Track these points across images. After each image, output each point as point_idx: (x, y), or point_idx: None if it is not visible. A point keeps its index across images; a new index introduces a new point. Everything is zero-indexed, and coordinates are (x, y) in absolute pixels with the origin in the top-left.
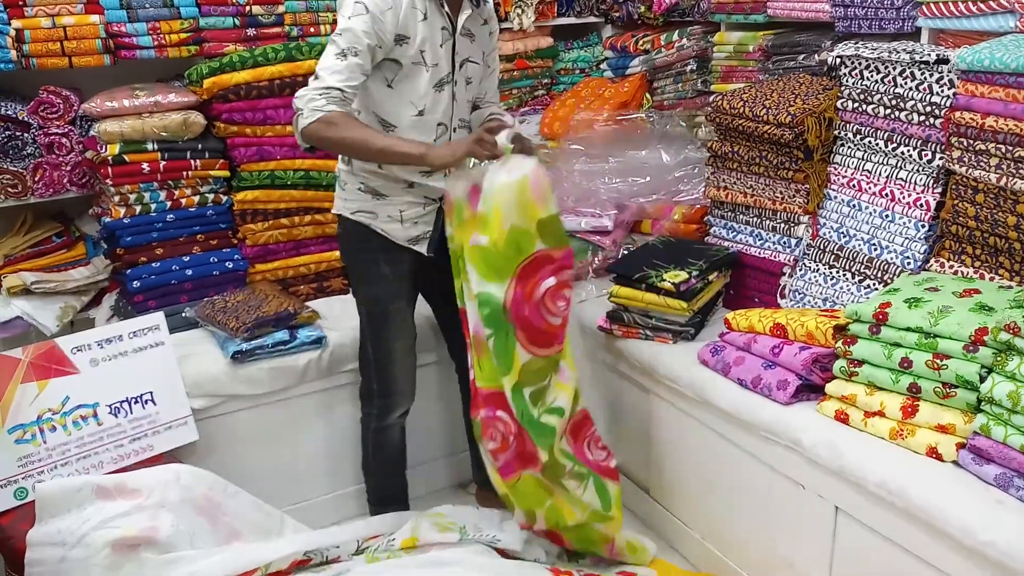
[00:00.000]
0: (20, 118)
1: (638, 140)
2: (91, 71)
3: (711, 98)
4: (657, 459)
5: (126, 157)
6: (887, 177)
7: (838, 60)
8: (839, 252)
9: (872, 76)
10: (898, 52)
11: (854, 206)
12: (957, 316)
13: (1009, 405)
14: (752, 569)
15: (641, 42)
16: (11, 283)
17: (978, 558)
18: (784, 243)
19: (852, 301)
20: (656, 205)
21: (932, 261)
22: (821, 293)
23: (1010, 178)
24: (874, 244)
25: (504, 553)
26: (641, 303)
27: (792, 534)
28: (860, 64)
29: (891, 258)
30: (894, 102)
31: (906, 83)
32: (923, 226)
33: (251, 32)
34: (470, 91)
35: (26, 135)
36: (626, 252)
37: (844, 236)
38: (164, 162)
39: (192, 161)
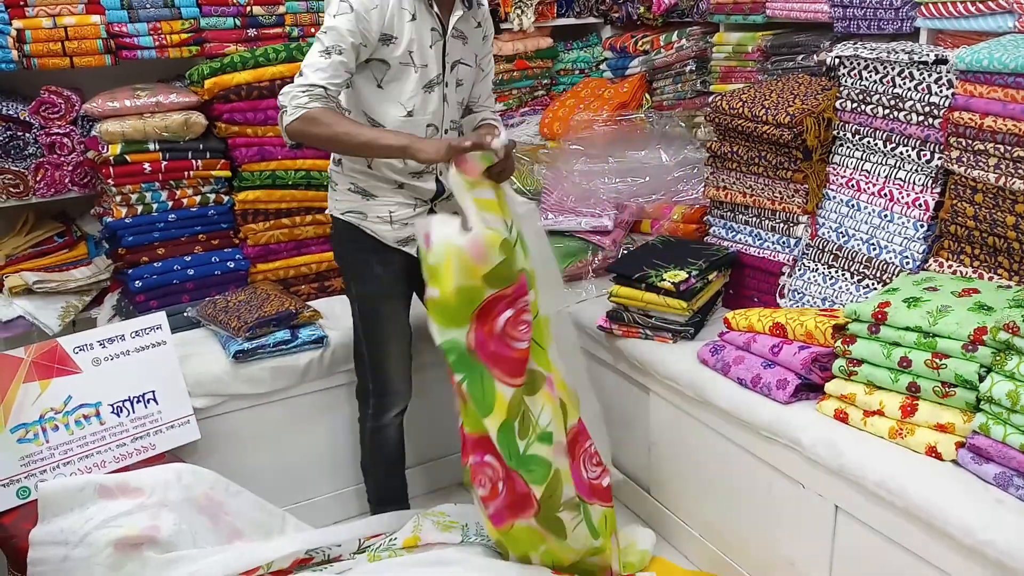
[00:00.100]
0: (22, 118)
1: (637, 140)
2: (92, 71)
3: (710, 98)
4: (657, 458)
5: (128, 157)
6: (886, 177)
7: (837, 60)
8: (838, 252)
9: (871, 76)
10: (897, 52)
11: (853, 206)
12: (956, 315)
13: (1008, 404)
14: (752, 568)
15: (640, 43)
16: (13, 283)
17: (977, 557)
18: (783, 243)
19: (851, 301)
20: (656, 205)
21: (931, 261)
22: (820, 293)
23: (1009, 178)
24: (873, 244)
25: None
26: (641, 303)
27: (792, 533)
28: (859, 64)
29: (890, 258)
30: (893, 102)
31: (905, 83)
32: (922, 226)
33: (252, 32)
34: (461, 93)
35: (28, 135)
36: (626, 252)
37: (843, 236)
38: (165, 162)
39: (193, 161)
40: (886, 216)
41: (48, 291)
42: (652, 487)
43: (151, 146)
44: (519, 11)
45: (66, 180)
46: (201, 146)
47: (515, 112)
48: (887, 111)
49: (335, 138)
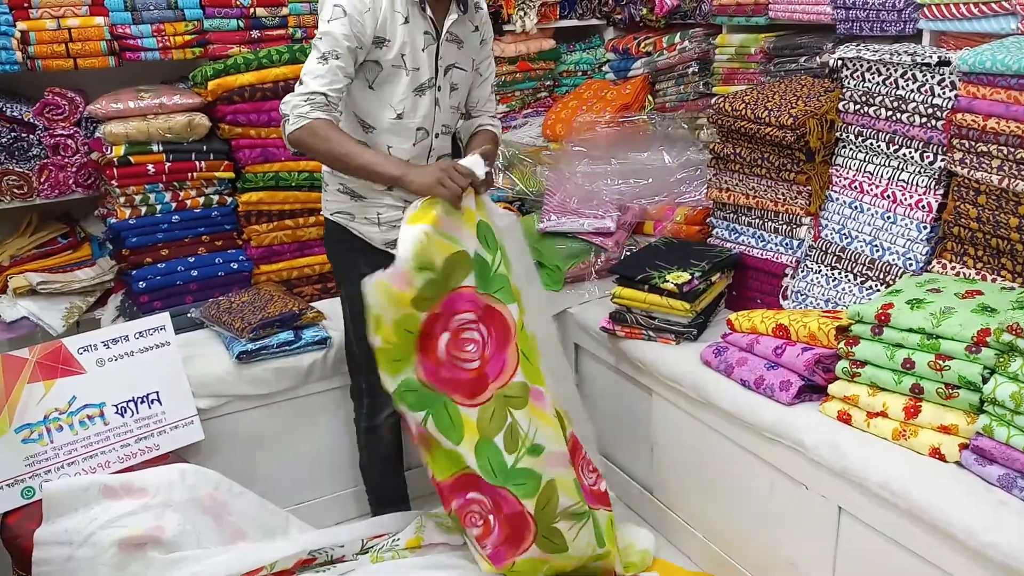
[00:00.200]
0: (26, 119)
1: (640, 142)
2: (96, 73)
3: (713, 100)
4: (660, 459)
5: (131, 158)
6: (889, 179)
7: (840, 62)
8: (841, 253)
9: (874, 78)
10: (899, 54)
11: (856, 208)
12: (959, 317)
13: (1012, 406)
14: (755, 569)
15: (643, 44)
16: (17, 284)
17: (981, 559)
18: (786, 244)
19: (854, 302)
20: (658, 207)
21: (934, 262)
22: (823, 294)
23: (1012, 180)
24: (876, 245)
25: None
26: (644, 304)
27: (795, 534)
28: (862, 66)
29: (893, 259)
30: (896, 104)
31: (908, 85)
32: (925, 227)
33: (255, 34)
34: (455, 97)
35: (32, 136)
36: (628, 253)
37: (846, 237)
38: (169, 163)
39: (197, 163)
40: (889, 218)
41: (52, 292)
42: (655, 488)
43: (155, 147)
44: (522, 13)
45: (70, 181)
46: (205, 147)
47: (518, 114)
48: (890, 113)
49: (333, 155)
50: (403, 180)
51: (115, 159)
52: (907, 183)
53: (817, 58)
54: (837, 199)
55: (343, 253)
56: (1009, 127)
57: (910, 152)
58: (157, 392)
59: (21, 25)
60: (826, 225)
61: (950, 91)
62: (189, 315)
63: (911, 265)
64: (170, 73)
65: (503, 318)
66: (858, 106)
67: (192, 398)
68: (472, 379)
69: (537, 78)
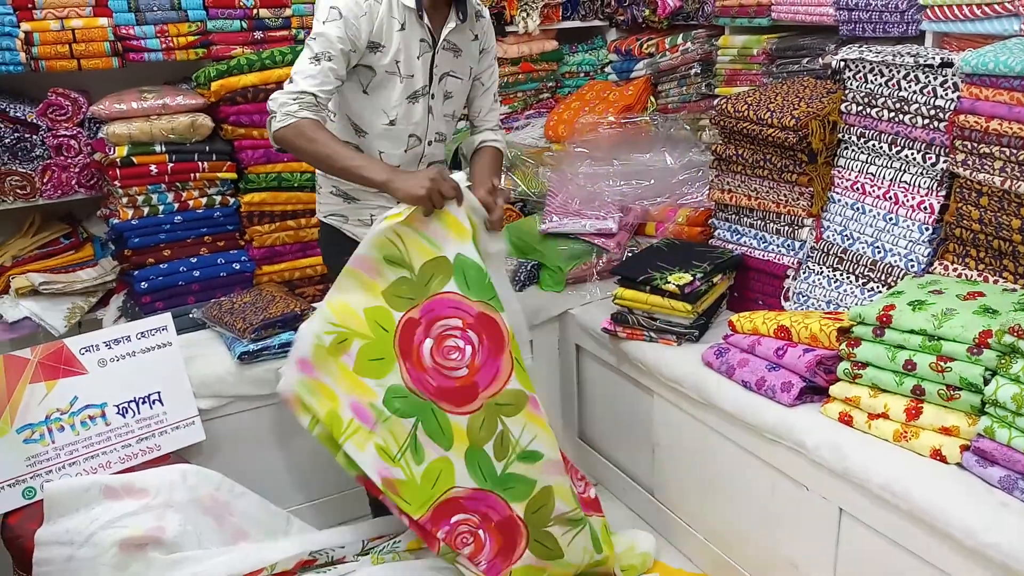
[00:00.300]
0: (29, 120)
1: (642, 143)
2: (99, 73)
3: (715, 101)
4: (661, 461)
5: (134, 159)
6: (891, 180)
7: (842, 63)
8: (843, 255)
9: (876, 79)
10: (902, 55)
11: (858, 209)
12: (961, 319)
13: (1013, 408)
14: (756, 571)
15: (645, 45)
16: (19, 284)
17: (982, 560)
18: (788, 246)
19: (856, 304)
20: (660, 208)
21: (936, 264)
22: (825, 295)
23: (1014, 181)
24: (878, 247)
25: None
26: (645, 305)
27: (796, 536)
28: (864, 67)
29: (895, 261)
30: (898, 105)
31: (910, 86)
32: (927, 229)
33: (258, 35)
34: (449, 105)
35: (35, 137)
36: (630, 254)
37: (848, 239)
38: (172, 164)
39: (200, 163)
40: (891, 219)
41: (54, 292)
42: (655, 489)
43: (157, 148)
44: (524, 14)
45: (73, 182)
46: (207, 148)
47: (520, 115)
48: (892, 114)
49: (318, 156)
50: (389, 186)
51: (118, 160)
52: (909, 184)
53: (820, 59)
54: (839, 200)
55: (338, 255)
56: (1012, 129)
57: (912, 153)
58: (159, 392)
59: (25, 26)
60: (828, 226)
61: (952, 92)
62: (191, 316)
63: (913, 266)
64: (173, 74)
65: (497, 325)
66: (860, 107)
67: (193, 398)
68: (460, 387)
69: (539, 79)
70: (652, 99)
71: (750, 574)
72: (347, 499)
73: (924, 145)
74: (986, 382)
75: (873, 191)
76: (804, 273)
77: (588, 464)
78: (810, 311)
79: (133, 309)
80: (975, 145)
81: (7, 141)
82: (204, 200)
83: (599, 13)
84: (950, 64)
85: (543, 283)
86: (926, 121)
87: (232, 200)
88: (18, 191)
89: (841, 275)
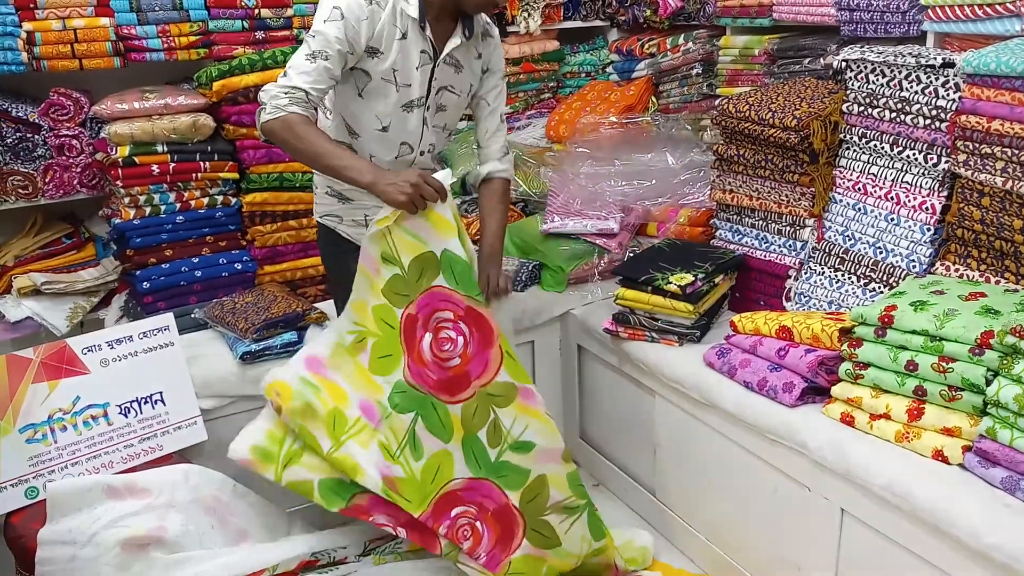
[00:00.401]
0: (31, 120)
1: (644, 143)
2: (101, 73)
3: (717, 101)
4: (662, 461)
5: (136, 159)
6: (893, 180)
7: (844, 64)
8: (844, 255)
9: (878, 80)
10: (904, 56)
11: (859, 209)
12: (963, 319)
13: (1015, 408)
14: (757, 571)
15: (647, 46)
16: (21, 284)
17: (984, 561)
18: (789, 246)
19: (857, 304)
20: (662, 208)
21: (937, 264)
22: (826, 296)
23: (1016, 182)
24: (879, 247)
25: None
26: (647, 305)
27: (798, 536)
28: (866, 68)
29: (896, 261)
30: (900, 106)
31: (912, 87)
32: (928, 229)
33: (260, 35)
34: (440, 118)
35: (37, 137)
36: (632, 255)
37: (849, 239)
38: (174, 164)
39: (201, 163)
40: (893, 219)
41: (56, 292)
42: (657, 490)
43: (159, 148)
44: (525, 14)
45: (75, 182)
46: (209, 148)
47: (521, 115)
48: (894, 114)
49: (304, 152)
50: (373, 188)
51: (120, 159)
52: (911, 185)
53: (821, 60)
54: (841, 201)
55: (334, 256)
56: (1013, 129)
57: (914, 154)
58: (161, 392)
59: (27, 26)
60: (829, 227)
61: (954, 93)
62: (193, 315)
63: (914, 267)
64: (175, 74)
65: (485, 320)
66: (862, 108)
67: (195, 398)
68: (454, 376)
69: (541, 79)
70: (653, 99)
71: (752, 575)
72: None
73: (926, 146)
74: (988, 383)
75: (875, 191)
76: (806, 273)
77: (590, 464)
78: (812, 312)
79: (135, 309)
80: (977, 145)
81: (9, 141)
82: (206, 200)
83: (600, 13)
84: (952, 64)
85: (544, 283)
86: (928, 121)
87: (234, 200)
88: (20, 191)
89: (843, 275)
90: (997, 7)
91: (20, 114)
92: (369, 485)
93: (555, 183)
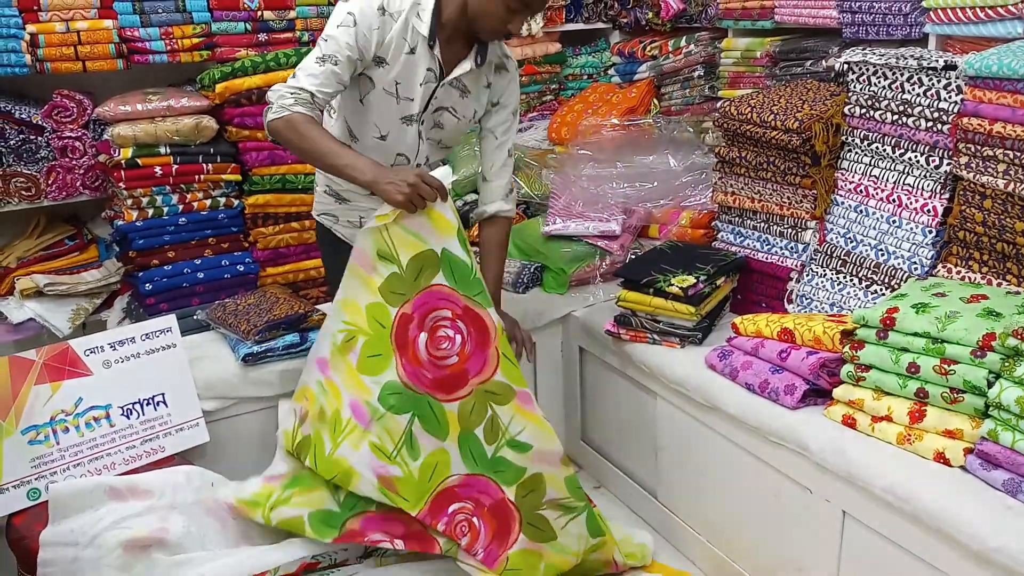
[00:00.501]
0: (34, 122)
1: (646, 145)
2: (104, 75)
3: (719, 104)
4: (664, 463)
5: (139, 161)
6: (894, 183)
7: (845, 66)
8: (846, 257)
9: (879, 82)
10: (906, 58)
11: (861, 211)
12: (965, 321)
13: (1017, 411)
14: (759, 574)
15: (649, 48)
16: (24, 285)
17: (986, 563)
18: (791, 248)
19: (859, 306)
20: (664, 210)
21: (939, 267)
22: (828, 298)
23: (1018, 184)
24: (881, 249)
25: None
26: (649, 307)
27: (800, 538)
28: (867, 70)
29: (898, 263)
30: (902, 108)
31: (914, 89)
32: (930, 232)
33: (263, 37)
34: (438, 134)
35: (40, 138)
36: (634, 257)
37: (851, 241)
38: (176, 166)
39: (204, 165)
40: (894, 222)
41: (59, 293)
42: (659, 492)
43: (162, 150)
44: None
45: (78, 183)
46: (212, 150)
47: (523, 117)
48: (896, 117)
49: (306, 151)
50: (373, 187)
51: (123, 161)
52: (912, 187)
53: (823, 62)
54: (842, 203)
55: (330, 255)
56: (1015, 131)
57: (916, 156)
58: (163, 394)
59: (30, 28)
60: (831, 229)
61: (956, 95)
62: (195, 317)
63: (916, 269)
64: (178, 76)
65: (483, 321)
66: (864, 110)
67: (198, 400)
68: (451, 375)
69: (543, 81)
70: (655, 101)
71: None
72: None
73: (927, 148)
74: (990, 385)
75: (876, 194)
76: (807, 276)
77: (591, 466)
78: (813, 314)
79: (137, 311)
80: (978, 148)
81: (12, 143)
82: (208, 202)
83: (602, 15)
84: (954, 67)
85: (546, 285)
86: (929, 124)
87: (236, 202)
88: (23, 192)
89: (844, 278)
90: (999, 9)
91: (23, 116)
92: (364, 489)
93: (557, 185)
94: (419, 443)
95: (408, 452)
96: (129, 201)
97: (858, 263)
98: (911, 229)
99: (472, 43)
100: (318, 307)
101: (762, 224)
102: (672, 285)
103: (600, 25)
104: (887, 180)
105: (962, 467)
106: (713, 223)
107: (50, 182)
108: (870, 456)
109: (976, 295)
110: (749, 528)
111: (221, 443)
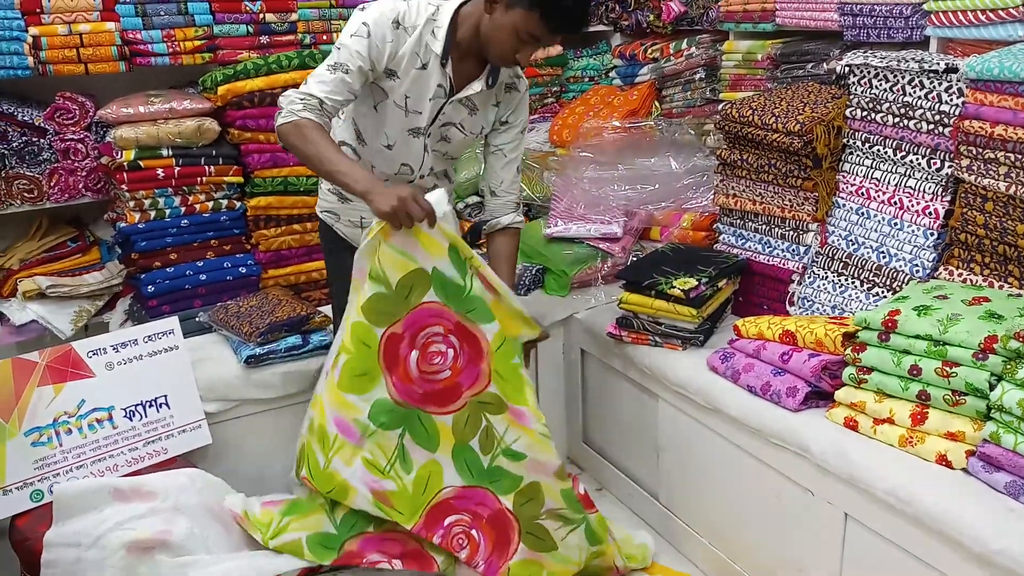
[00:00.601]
0: (36, 124)
1: (647, 148)
2: (106, 78)
3: (720, 106)
4: (666, 465)
5: (141, 163)
6: (896, 185)
7: (847, 69)
8: (848, 260)
9: (881, 85)
10: (907, 61)
11: (863, 214)
12: (966, 324)
13: (1019, 413)
14: None
15: (650, 50)
16: (26, 287)
17: (989, 566)
18: (793, 251)
19: (861, 309)
20: (665, 212)
21: (941, 269)
22: (830, 300)
23: (1019, 187)
24: (883, 252)
25: None
26: (650, 310)
27: (801, 541)
28: (869, 73)
29: (900, 266)
30: (903, 111)
31: (915, 92)
32: (932, 234)
33: (264, 40)
34: (444, 147)
35: (42, 141)
36: (635, 259)
37: (853, 244)
38: (179, 168)
39: (206, 167)
40: (896, 224)
41: (61, 295)
42: (660, 494)
43: (164, 152)
44: None
45: (80, 185)
46: (214, 152)
47: None
48: (897, 119)
49: (308, 156)
50: (366, 198)
51: (125, 163)
52: (914, 190)
53: (824, 64)
54: (844, 205)
55: (331, 252)
56: (1016, 134)
57: (917, 159)
58: (165, 396)
59: (33, 30)
60: (833, 231)
61: (957, 98)
62: (197, 319)
63: (918, 272)
64: (180, 78)
65: (475, 338)
66: (865, 112)
67: (200, 402)
68: (445, 388)
69: (544, 84)
70: (657, 104)
71: None
72: None
73: (929, 150)
74: (991, 387)
75: (878, 196)
76: (809, 278)
77: (593, 468)
78: (815, 316)
79: (139, 312)
80: (980, 150)
81: (15, 145)
82: (210, 204)
83: (604, 18)
84: (955, 69)
85: (548, 287)
86: (931, 126)
87: (238, 204)
88: (25, 194)
89: (846, 280)
90: (1000, 12)
91: (26, 118)
92: (360, 503)
93: (558, 187)
94: (411, 456)
95: (401, 466)
96: (131, 203)
97: (860, 265)
98: (913, 232)
99: (485, 62)
100: (320, 309)
101: (764, 226)
102: (674, 287)
103: (601, 28)
104: (888, 183)
105: (964, 470)
106: (715, 225)
107: (52, 184)
108: (872, 458)
109: (978, 298)
110: (751, 530)
111: (223, 445)
